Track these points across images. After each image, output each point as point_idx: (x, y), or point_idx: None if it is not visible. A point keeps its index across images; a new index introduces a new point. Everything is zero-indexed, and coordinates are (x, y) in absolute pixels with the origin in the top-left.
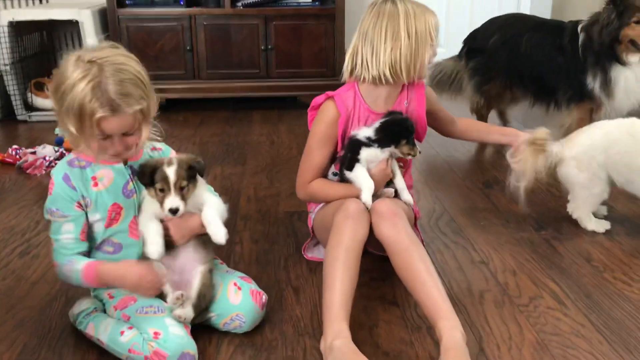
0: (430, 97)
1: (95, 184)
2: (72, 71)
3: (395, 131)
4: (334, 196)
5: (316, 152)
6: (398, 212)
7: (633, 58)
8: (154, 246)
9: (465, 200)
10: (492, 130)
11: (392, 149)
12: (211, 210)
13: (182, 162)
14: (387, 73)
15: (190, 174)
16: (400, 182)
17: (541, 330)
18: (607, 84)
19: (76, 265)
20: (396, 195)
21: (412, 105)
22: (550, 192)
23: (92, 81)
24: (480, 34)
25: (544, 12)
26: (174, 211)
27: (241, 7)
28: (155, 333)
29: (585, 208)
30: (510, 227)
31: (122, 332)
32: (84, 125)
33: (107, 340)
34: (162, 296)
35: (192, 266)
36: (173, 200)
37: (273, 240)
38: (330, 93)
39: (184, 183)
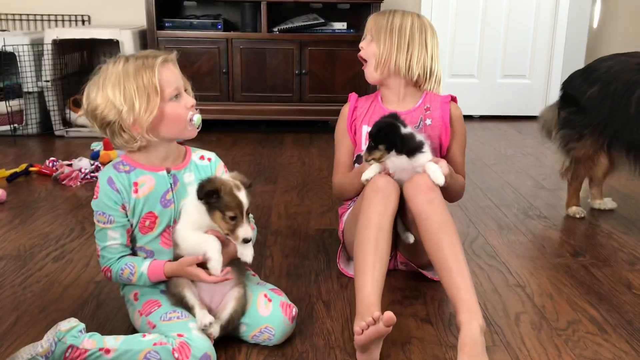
0: (453, 115)
1: (135, 191)
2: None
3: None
4: (348, 178)
5: (339, 148)
6: (434, 187)
7: None
8: (218, 264)
9: (499, 225)
10: None
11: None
12: None
13: (245, 185)
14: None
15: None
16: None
17: (581, 354)
18: None
19: (139, 269)
20: None
21: (435, 113)
22: (587, 221)
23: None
24: (579, 80)
25: (580, 41)
26: (247, 241)
27: (277, 32)
28: (179, 335)
29: None
30: (546, 253)
31: (143, 335)
32: (148, 89)
33: (122, 344)
34: (188, 308)
35: (225, 288)
36: (246, 229)
37: (303, 256)
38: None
39: (249, 209)
